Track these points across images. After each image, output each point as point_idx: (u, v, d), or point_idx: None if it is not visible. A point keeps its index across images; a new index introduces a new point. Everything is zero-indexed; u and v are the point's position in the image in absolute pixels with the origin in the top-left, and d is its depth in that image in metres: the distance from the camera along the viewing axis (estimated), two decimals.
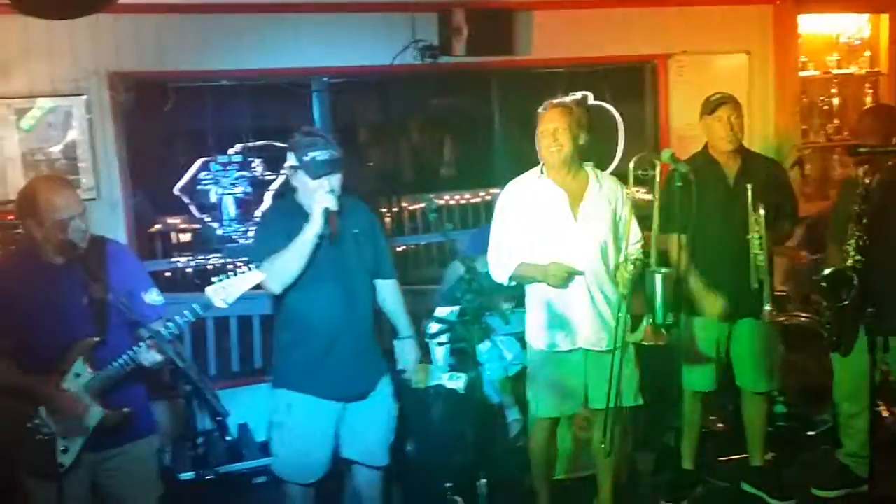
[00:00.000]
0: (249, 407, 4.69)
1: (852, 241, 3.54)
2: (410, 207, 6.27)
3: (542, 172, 3.69)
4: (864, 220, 3.52)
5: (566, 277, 3.52)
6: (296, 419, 3.35)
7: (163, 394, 4.12)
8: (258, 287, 3.09)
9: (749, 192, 3.73)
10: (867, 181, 3.49)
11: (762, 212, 3.72)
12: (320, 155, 3.19)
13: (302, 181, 3.26)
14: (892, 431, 4.31)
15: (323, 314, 3.29)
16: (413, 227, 6.43)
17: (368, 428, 3.45)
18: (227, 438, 4.47)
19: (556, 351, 3.64)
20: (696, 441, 4.19)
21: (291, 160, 3.27)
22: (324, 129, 5.18)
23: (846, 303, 3.54)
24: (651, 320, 3.33)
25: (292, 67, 5.00)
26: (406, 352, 3.57)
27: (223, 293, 2.98)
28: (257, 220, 5.32)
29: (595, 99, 5.76)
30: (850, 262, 3.55)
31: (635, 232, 3.67)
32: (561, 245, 3.58)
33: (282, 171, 5.43)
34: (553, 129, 3.56)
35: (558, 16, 5.44)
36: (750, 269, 3.77)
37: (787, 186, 4.16)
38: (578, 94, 5.72)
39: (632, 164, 3.45)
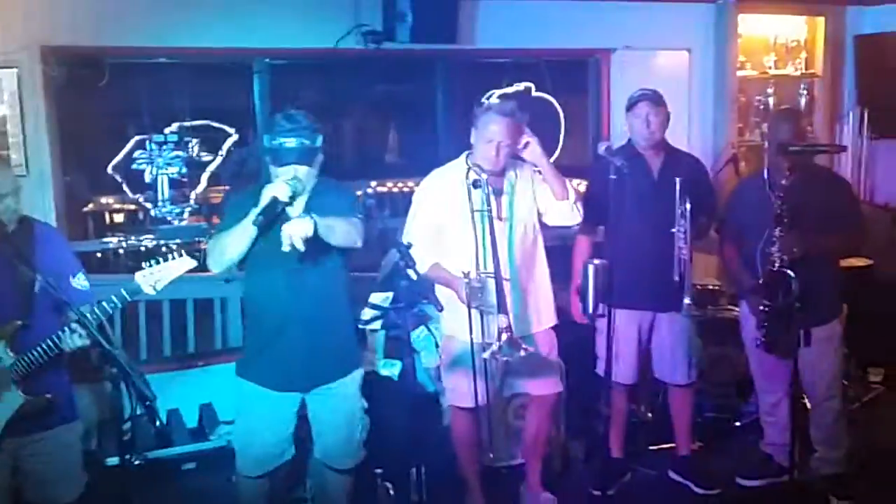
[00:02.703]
0: (181, 392, 4.62)
1: (776, 242, 3.61)
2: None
3: (466, 164, 3.63)
4: (786, 220, 3.59)
5: (480, 294, 3.44)
6: (246, 408, 3.30)
7: (88, 377, 4.02)
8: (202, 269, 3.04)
9: (675, 187, 3.79)
10: (784, 182, 3.57)
11: (687, 206, 3.78)
12: (289, 142, 3.06)
13: (269, 165, 3.16)
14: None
15: (272, 302, 3.21)
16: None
17: (327, 426, 3.36)
18: (157, 424, 4.38)
19: (474, 340, 3.59)
20: (623, 430, 4.26)
21: (264, 142, 3.16)
22: (263, 111, 5.14)
23: (772, 300, 3.63)
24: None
25: (233, 47, 4.92)
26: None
27: (152, 279, 2.93)
28: (191, 201, 5.24)
29: (538, 90, 5.79)
30: (778, 263, 3.61)
31: (558, 211, 3.71)
32: (483, 239, 3.54)
33: (220, 153, 5.35)
34: (497, 144, 3.54)
35: (504, 6, 5.45)
36: (672, 263, 3.84)
37: (707, 183, 4.26)
38: (521, 86, 5.76)
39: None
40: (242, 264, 3.22)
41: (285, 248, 2.93)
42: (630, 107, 4.02)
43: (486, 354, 3.37)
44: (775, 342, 3.75)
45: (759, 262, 3.78)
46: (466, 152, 3.72)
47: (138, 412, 4.25)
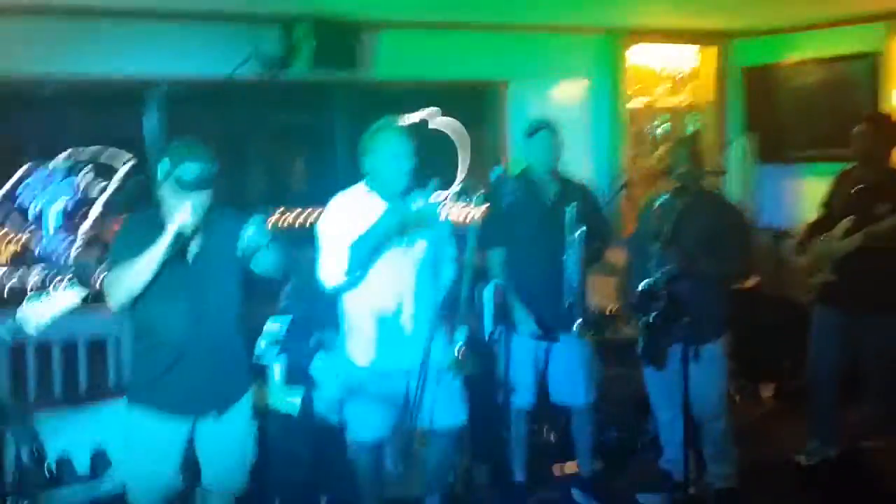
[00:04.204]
0: (70, 437, 4.43)
1: (654, 259, 3.73)
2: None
3: (368, 188, 3.66)
4: (669, 240, 3.72)
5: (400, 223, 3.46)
6: (137, 434, 3.23)
7: None
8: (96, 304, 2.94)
9: (567, 214, 3.87)
10: (678, 204, 3.71)
11: (578, 233, 3.87)
12: (190, 170, 3.01)
13: (167, 194, 3.09)
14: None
15: (169, 326, 3.16)
16: None
17: (220, 448, 3.32)
18: (44, 466, 4.21)
19: (378, 370, 3.62)
20: (524, 454, 4.30)
21: (162, 170, 3.09)
22: (155, 141, 5.05)
23: (655, 318, 3.74)
24: (463, 345, 3.37)
25: (125, 75, 4.83)
26: None
27: (37, 315, 2.82)
28: (83, 231, 5.06)
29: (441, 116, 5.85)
30: (654, 279, 3.73)
31: (452, 256, 3.77)
32: (387, 267, 3.57)
33: (112, 181, 5.20)
34: (403, 153, 3.54)
35: (403, 36, 5.51)
36: (566, 287, 3.91)
37: (600, 209, 4.36)
38: (424, 113, 5.80)
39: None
40: None
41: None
42: (529, 135, 4.11)
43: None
44: (650, 354, 3.88)
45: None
46: (366, 177, 3.71)
47: (25, 455, 4.14)
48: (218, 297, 3.20)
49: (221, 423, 3.27)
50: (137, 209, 5.12)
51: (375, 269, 3.55)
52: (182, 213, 2.98)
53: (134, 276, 3.00)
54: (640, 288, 3.76)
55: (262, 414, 4.07)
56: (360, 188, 3.70)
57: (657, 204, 3.94)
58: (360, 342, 3.66)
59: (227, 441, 3.31)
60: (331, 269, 3.56)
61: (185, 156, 3.04)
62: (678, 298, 3.62)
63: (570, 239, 3.86)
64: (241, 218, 3.27)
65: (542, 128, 4.09)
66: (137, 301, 3.09)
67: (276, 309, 4.46)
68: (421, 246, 3.64)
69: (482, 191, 3.54)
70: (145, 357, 3.27)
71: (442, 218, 3.75)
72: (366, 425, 3.71)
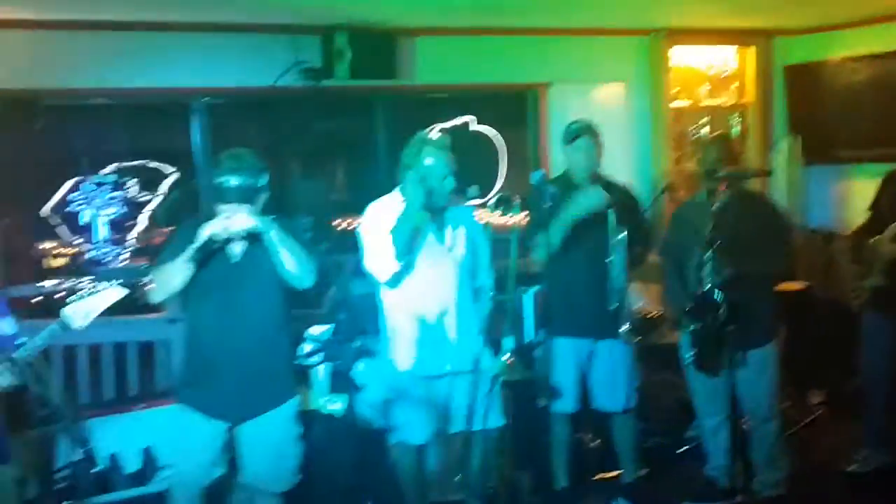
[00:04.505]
0: (120, 436, 4.51)
1: (709, 264, 3.67)
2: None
3: (404, 197, 3.66)
4: (718, 243, 3.65)
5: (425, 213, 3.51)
6: (180, 434, 3.33)
7: (22, 421, 3.93)
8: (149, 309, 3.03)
9: (611, 216, 3.85)
10: (715, 205, 3.64)
11: (623, 235, 3.84)
12: (233, 181, 3.12)
13: (215, 203, 3.21)
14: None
15: (212, 330, 3.25)
16: None
17: (261, 451, 3.37)
18: (95, 469, 4.29)
19: (421, 374, 3.67)
20: (566, 459, 4.27)
21: (212, 180, 3.22)
22: (202, 150, 5.13)
23: (710, 324, 3.68)
24: (511, 353, 3.38)
25: (170, 87, 4.92)
26: None
27: (82, 311, 2.90)
28: (130, 241, 5.18)
29: (478, 123, 5.86)
30: (709, 285, 3.67)
31: (488, 260, 3.81)
32: (429, 270, 3.62)
33: (158, 192, 5.30)
34: (444, 174, 3.57)
35: (441, 42, 5.53)
36: (610, 291, 3.89)
37: (640, 213, 4.32)
38: (461, 120, 5.82)
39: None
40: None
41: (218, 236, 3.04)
42: (570, 140, 4.08)
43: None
44: (705, 362, 3.80)
45: (695, 283, 3.84)
46: (399, 186, 3.74)
47: (76, 457, 4.23)
48: (258, 305, 3.27)
49: (263, 425, 3.33)
50: (182, 219, 5.24)
51: (416, 273, 3.60)
52: (215, 221, 3.08)
53: (171, 275, 3.13)
54: (699, 293, 3.70)
55: (306, 417, 4.14)
56: (395, 196, 3.73)
57: (691, 206, 3.88)
58: (402, 346, 3.70)
59: (269, 443, 3.35)
60: (379, 262, 3.61)
61: (229, 167, 3.14)
62: (732, 303, 3.56)
63: (612, 242, 3.84)
64: (288, 224, 3.35)
65: (583, 132, 4.06)
66: (186, 305, 3.22)
67: (321, 314, 4.51)
68: (460, 251, 3.67)
69: (519, 199, 3.54)
70: (191, 360, 3.37)
71: (480, 223, 3.78)
72: (409, 428, 3.74)
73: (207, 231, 3.07)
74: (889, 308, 4.28)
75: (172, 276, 3.14)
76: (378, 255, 3.64)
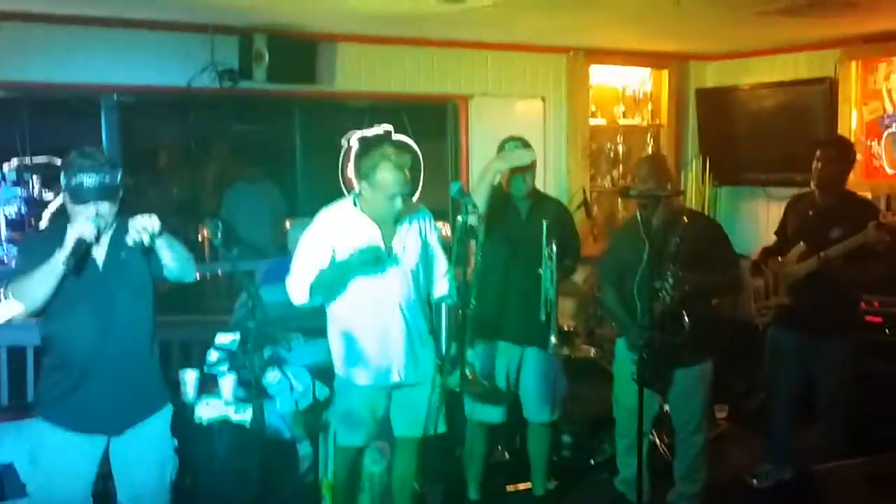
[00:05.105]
0: (14, 446, 4.29)
1: (668, 281, 3.68)
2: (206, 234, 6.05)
3: (355, 204, 3.68)
4: (654, 261, 3.69)
5: (376, 260, 3.54)
6: (48, 453, 3.15)
7: None
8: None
9: (542, 228, 3.88)
10: (651, 222, 3.69)
11: (553, 247, 3.87)
12: (88, 179, 2.96)
13: (69, 204, 3.05)
14: (664, 460, 4.56)
15: (77, 342, 3.10)
16: (213, 255, 6.20)
17: (136, 466, 3.25)
18: None
19: (360, 381, 3.68)
20: (480, 471, 4.26)
21: (63, 181, 3.05)
22: (112, 150, 4.95)
23: (655, 339, 3.71)
24: (470, 369, 3.45)
25: (78, 83, 4.73)
26: None
27: None
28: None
29: (396, 133, 5.84)
30: (665, 300, 3.71)
31: (442, 264, 3.81)
32: (374, 279, 3.61)
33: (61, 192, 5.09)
34: (400, 185, 3.56)
35: (362, 49, 5.48)
36: (539, 302, 3.91)
37: (572, 226, 4.37)
38: (380, 129, 5.79)
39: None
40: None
41: (130, 242, 2.93)
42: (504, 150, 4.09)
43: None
44: (650, 377, 3.82)
45: (637, 299, 3.86)
46: (354, 194, 3.74)
47: None
48: (127, 311, 3.15)
49: (134, 440, 3.22)
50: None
51: (358, 285, 3.60)
52: (80, 222, 2.95)
53: (36, 287, 2.96)
54: (639, 311, 3.75)
55: (210, 427, 4.02)
56: (346, 204, 3.71)
57: (628, 225, 3.92)
58: (342, 356, 3.72)
59: (143, 458, 3.25)
60: (297, 284, 3.62)
61: (82, 166, 2.98)
62: (670, 321, 3.60)
63: (543, 254, 3.86)
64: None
65: (517, 142, 4.08)
66: (44, 316, 3.05)
67: (228, 321, 4.40)
68: (408, 261, 3.68)
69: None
70: (55, 373, 3.19)
71: (431, 234, 3.81)
72: (350, 433, 3.78)
73: (74, 234, 2.92)
74: (793, 325, 4.43)
75: (39, 287, 2.95)
76: (297, 278, 3.63)
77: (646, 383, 3.83)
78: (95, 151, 3.07)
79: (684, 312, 3.66)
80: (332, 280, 3.59)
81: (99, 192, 2.99)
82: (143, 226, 2.93)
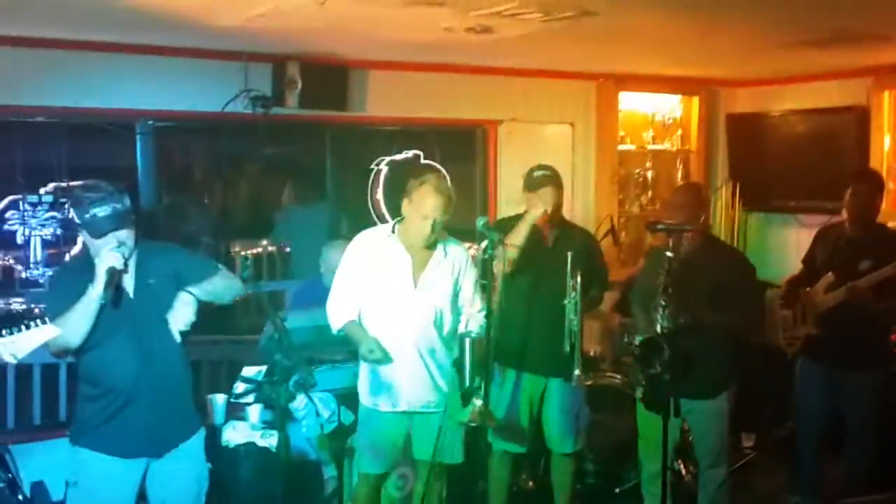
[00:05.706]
0: (46, 463, 4.38)
1: (660, 311, 3.68)
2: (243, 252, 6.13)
3: (393, 232, 3.75)
4: (669, 291, 3.67)
5: (380, 358, 3.61)
6: (90, 479, 3.20)
7: None
8: None
9: (567, 259, 3.88)
10: (670, 254, 3.66)
11: (578, 278, 3.87)
12: (101, 211, 3.00)
13: (88, 239, 3.09)
14: (690, 489, 4.52)
15: (116, 370, 3.16)
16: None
17: (173, 489, 3.32)
18: (19, 497, 4.15)
19: (381, 409, 3.75)
20: (504, 500, 4.26)
21: (74, 218, 3.09)
22: (146, 173, 5.06)
23: (658, 370, 3.69)
24: (479, 402, 3.45)
25: (114, 108, 4.84)
26: None
27: (12, 347, 2.78)
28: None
29: (425, 158, 5.88)
30: (658, 330, 3.69)
31: (475, 301, 3.83)
32: (397, 309, 3.68)
33: None
34: (433, 221, 3.61)
35: (393, 76, 5.55)
36: (563, 332, 3.90)
37: (599, 255, 4.37)
38: (410, 153, 5.84)
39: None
40: None
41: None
42: (534, 188, 4.06)
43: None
44: (651, 402, 3.81)
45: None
46: (397, 219, 3.79)
47: None
48: (161, 335, 3.19)
49: (171, 463, 3.28)
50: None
51: (385, 312, 3.69)
52: (106, 254, 2.99)
53: (77, 324, 3.01)
54: (639, 340, 3.74)
55: (237, 451, 4.07)
56: (384, 230, 3.80)
57: (660, 252, 3.91)
58: (368, 380, 3.78)
59: (180, 479, 3.31)
60: (334, 314, 3.74)
61: (91, 199, 3.02)
62: (681, 351, 3.58)
63: (570, 283, 3.87)
64: (169, 249, 3.36)
65: (548, 182, 4.05)
66: (80, 347, 3.10)
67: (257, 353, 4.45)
68: (439, 289, 3.73)
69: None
70: (94, 403, 3.23)
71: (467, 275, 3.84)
72: (373, 461, 3.82)
73: (104, 266, 2.97)
74: (821, 356, 4.39)
75: (79, 324, 3.01)
76: (334, 308, 3.73)
77: (650, 408, 3.83)
78: (99, 183, 3.09)
79: (665, 346, 3.60)
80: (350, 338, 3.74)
81: (114, 220, 3.02)
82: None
